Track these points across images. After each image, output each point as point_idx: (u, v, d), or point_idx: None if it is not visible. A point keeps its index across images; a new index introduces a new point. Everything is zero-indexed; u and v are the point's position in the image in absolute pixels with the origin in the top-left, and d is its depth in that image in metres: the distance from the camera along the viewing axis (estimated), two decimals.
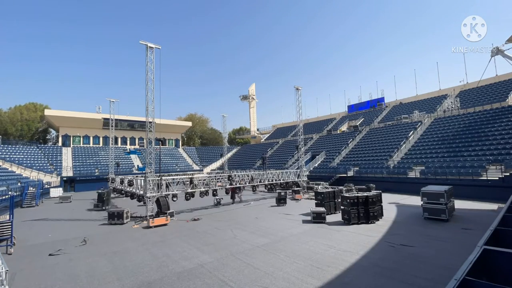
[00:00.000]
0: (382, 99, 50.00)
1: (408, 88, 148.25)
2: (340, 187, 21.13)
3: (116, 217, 16.15)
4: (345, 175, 30.30)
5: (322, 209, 15.39)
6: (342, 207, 14.76)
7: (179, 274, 8.28)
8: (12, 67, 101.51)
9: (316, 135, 50.91)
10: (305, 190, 26.55)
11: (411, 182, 24.25)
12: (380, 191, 16.29)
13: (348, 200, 14.06)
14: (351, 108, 54.47)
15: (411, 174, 25.45)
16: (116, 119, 36.26)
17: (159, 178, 18.10)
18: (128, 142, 55.95)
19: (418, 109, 39.47)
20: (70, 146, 48.61)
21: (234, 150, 65.67)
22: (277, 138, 59.60)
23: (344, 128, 49.39)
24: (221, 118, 46.94)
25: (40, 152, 44.31)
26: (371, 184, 23.56)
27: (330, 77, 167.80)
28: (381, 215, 14.85)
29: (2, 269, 6.10)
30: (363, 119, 47.87)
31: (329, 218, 15.40)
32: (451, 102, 37.19)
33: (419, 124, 35.39)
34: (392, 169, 27.57)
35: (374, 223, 13.94)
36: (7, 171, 33.78)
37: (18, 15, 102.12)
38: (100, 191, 23.65)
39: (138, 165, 47.88)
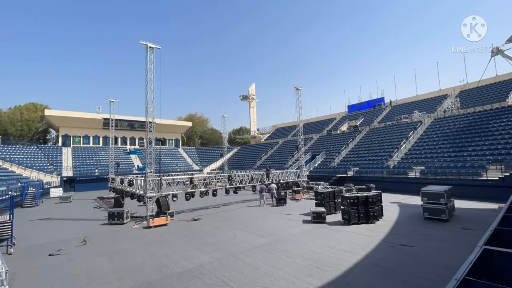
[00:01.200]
0: (382, 99, 50.02)
1: (408, 88, 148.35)
2: (340, 187, 21.12)
3: (116, 217, 16.16)
4: (345, 175, 30.28)
5: (322, 209, 15.38)
6: (342, 207, 14.76)
7: (179, 274, 8.28)
8: (11, 66, 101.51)
9: (316, 135, 50.91)
10: (305, 190, 26.55)
11: (411, 182, 24.22)
12: (380, 191, 16.28)
13: (348, 200, 14.05)
14: (351, 108, 54.49)
15: (411, 174, 25.44)
16: (116, 119, 36.24)
17: (159, 178, 18.10)
18: (128, 142, 55.98)
19: (418, 109, 39.48)
20: (70, 146, 48.64)
21: (234, 150, 65.67)
22: (277, 138, 59.61)
23: (344, 128, 49.41)
24: (221, 118, 46.97)
25: (40, 152, 44.32)
26: (371, 184, 23.54)
27: (330, 77, 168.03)
28: (381, 215, 14.85)
29: (2, 269, 6.10)
30: (363, 119, 47.88)
31: (329, 218, 15.39)
32: (451, 102, 37.19)
33: (419, 124, 35.39)
34: (392, 169, 27.56)
35: (374, 223, 13.93)
36: (7, 171, 33.76)
37: (18, 13, 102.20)
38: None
39: (138, 165, 47.87)
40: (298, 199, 23.50)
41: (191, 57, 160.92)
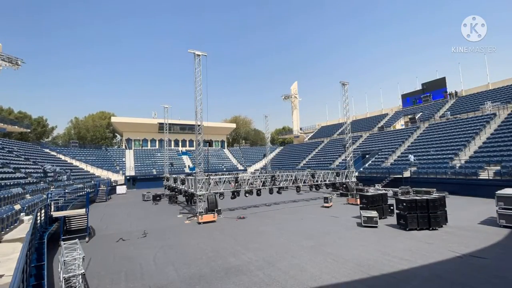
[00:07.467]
0: (444, 90, 44.33)
1: (477, 77, 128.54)
2: (395, 189, 19.44)
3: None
4: (401, 176, 27.75)
5: (374, 212, 14.30)
6: (397, 211, 13.56)
7: (227, 269, 8.59)
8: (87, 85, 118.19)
9: (365, 133, 47.78)
10: (354, 192, 25.07)
11: (483, 185, 21.06)
12: (444, 194, 14.50)
13: (404, 204, 12.83)
14: (406, 101, 49.70)
15: (483, 175, 22.05)
16: (169, 124, 39.39)
17: (207, 177, 19.07)
18: (180, 144, 60.35)
19: (491, 100, 34.00)
20: (132, 149, 54.53)
21: (277, 150, 65.63)
22: (322, 137, 57.61)
23: (398, 124, 45.33)
24: (264, 119, 47.33)
25: (108, 154, 50.82)
26: (431, 189, 21.06)
27: (381, 70, 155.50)
28: (445, 221, 13.20)
29: (79, 255, 7.14)
30: (421, 113, 43.21)
31: (380, 222, 14.27)
32: None
33: (493, 116, 30.49)
34: (459, 169, 24.28)
35: (436, 229, 12.47)
36: (83, 171, 39.60)
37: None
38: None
39: (189, 165, 51.27)
40: (351, 203, 21.65)
41: (235, 58, 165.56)
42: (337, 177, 25.37)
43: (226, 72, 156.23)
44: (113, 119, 55.46)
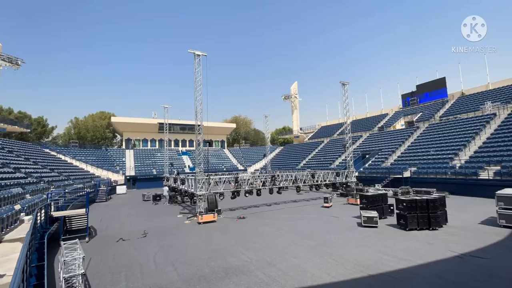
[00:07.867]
0: (444, 91, 44.37)
1: (477, 77, 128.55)
2: (395, 189, 19.43)
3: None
4: (401, 176, 27.75)
5: (374, 212, 14.30)
6: (397, 211, 13.57)
7: (227, 270, 8.59)
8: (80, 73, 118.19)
9: (365, 133, 47.79)
10: (354, 192, 25.06)
11: (483, 185, 21.06)
12: (444, 194, 14.50)
13: (404, 204, 12.83)
14: (406, 101, 49.73)
15: (483, 175, 22.06)
16: (169, 123, 39.37)
17: (207, 177, 19.06)
18: (180, 144, 60.34)
19: (491, 100, 34.01)
20: (132, 149, 54.52)
21: (277, 150, 65.60)
22: (322, 137, 57.62)
23: (398, 124, 45.35)
24: (264, 119, 47.31)
25: (108, 154, 50.85)
26: (431, 189, 21.07)
27: (381, 70, 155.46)
28: (445, 221, 13.20)
29: (79, 255, 7.14)
30: (421, 113, 43.23)
31: (380, 222, 14.27)
32: None
33: (493, 116, 30.49)
34: (459, 170, 24.28)
35: (436, 229, 12.47)
36: (83, 171, 39.62)
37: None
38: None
39: (189, 165, 51.24)
40: (351, 203, 21.61)
41: (236, 57, 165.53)
42: (337, 177, 25.36)
43: (226, 72, 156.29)
44: (113, 119, 55.49)
